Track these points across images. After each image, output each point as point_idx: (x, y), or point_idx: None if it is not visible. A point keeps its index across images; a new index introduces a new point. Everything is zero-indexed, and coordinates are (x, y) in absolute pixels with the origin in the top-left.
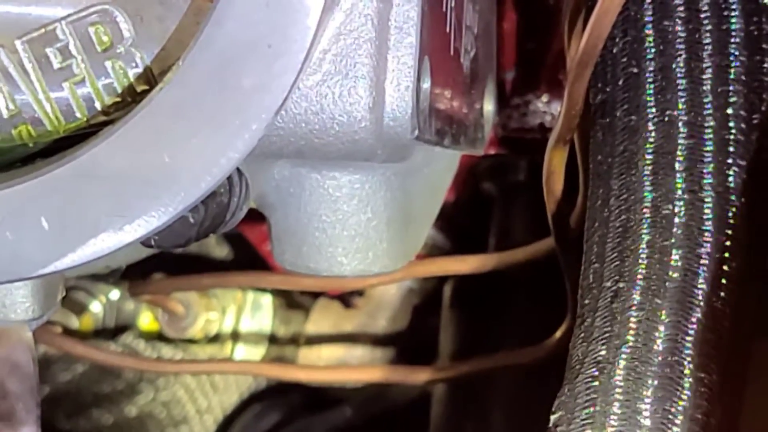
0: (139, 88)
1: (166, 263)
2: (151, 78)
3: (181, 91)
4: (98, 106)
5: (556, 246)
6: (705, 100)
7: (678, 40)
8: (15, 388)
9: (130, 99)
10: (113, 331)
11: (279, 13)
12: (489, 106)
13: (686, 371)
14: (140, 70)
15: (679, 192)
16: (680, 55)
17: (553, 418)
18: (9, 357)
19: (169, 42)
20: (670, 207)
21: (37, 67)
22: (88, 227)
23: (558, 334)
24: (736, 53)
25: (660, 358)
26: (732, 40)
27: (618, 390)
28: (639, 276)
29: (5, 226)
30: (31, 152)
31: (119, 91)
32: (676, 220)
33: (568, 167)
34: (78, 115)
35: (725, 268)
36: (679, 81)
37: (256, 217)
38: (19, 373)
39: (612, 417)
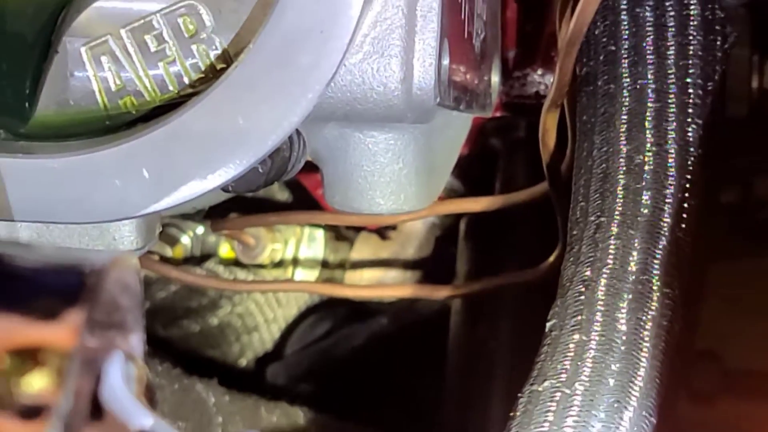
0: (219, 66)
1: (240, 205)
2: (228, 58)
3: (251, 68)
4: (186, 80)
5: (549, 189)
6: (669, 72)
7: (647, 24)
8: (126, 303)
9: (212, 75)
10: (199, 258)
11: (329, 5)
12: (495, 78)
13: (654, 287)
14: (219, 51)
15: (648, 145)
16: (649, 36)
17: (548, 324)
18: (121, 278)
19: (242, 29)
20: (641, 157)
21: (137, 50)
22: (180, 176)
23: (551, 258)
24: (694, 33)
25: (633, 277)
26: (691, 23)
27: (600, 302)
28: (616, 212)
29: (114, 176)
30: (134, 118)
31: (203, 68)
32: (646, 167)
33: (559, 126)
34: (170, 88)
35: (686, 205)
36: (649, 56)
37: (310, 168)
38: (129, 291)
39: (595, 324)
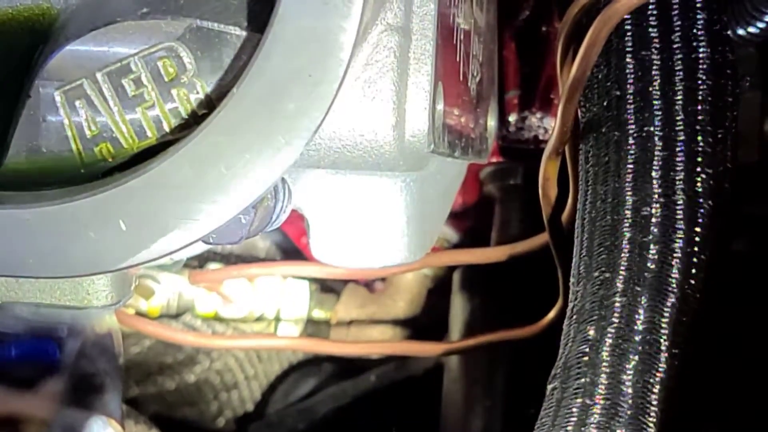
0: (200, 112)
1: (219, 255)
2: (210, 103)
3: (235, 114)
4: (166, 127)
5: (550, 241)
6: (677, 118)
7: (654, 67)
8: (104, 366)
9: (193, 121)
10: (175, 312)
11: (317, 48)
12: (492, 121)
13: (662, 347)
14: (201, 96)
15: (656, 196)
16: (656, 80)
17: (549, 387)
18: (101, 342)
19: (225, 72)
20: (648, 209)
21: (114, 94)
22: (159, 228)
23: (551, 314)
24: (704, 77)
25: (640, 337)
26: (700, 66)
27: (605, 364)
28: (622, 267)
29: (90, 228)
30: (110, 167)
31: (183, 114)
32: (653, 219)
33: (560, 175)
34: (149, 134)
35: (695, 259)
36: (655, 101)
37: (293, 215)
38: (107, 353)
39: (600, 387)
